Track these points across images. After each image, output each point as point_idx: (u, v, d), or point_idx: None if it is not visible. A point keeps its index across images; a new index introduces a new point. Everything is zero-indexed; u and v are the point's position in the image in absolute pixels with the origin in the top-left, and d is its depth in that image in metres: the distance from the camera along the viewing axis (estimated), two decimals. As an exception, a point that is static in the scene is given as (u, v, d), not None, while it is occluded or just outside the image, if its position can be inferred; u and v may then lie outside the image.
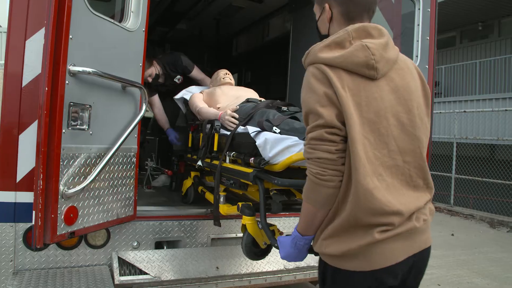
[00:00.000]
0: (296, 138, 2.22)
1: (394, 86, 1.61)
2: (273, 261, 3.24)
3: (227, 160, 2.84)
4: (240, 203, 2.60)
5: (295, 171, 2.36)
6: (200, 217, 3.32)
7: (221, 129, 3.14)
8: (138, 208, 3.05)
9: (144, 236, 3.08)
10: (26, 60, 2.57)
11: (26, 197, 2.58)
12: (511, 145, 11.25)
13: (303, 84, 1.62)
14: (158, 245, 3.18)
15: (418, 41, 3.63)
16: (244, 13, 5.98)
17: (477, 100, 13.95)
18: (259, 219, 2.41)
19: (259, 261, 3.21)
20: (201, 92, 3.97)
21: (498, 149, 12.33)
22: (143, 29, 2.83)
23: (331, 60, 1.55)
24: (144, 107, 2.81)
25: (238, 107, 3.23)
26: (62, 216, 2.29)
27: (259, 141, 2.37)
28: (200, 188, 3.61)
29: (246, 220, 2.48)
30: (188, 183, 3.87)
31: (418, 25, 3.63)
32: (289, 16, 4.94)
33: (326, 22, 1.81)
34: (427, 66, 3.60)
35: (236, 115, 3.09)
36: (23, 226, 2.64)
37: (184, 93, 4.19)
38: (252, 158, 2.44)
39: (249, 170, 2.42)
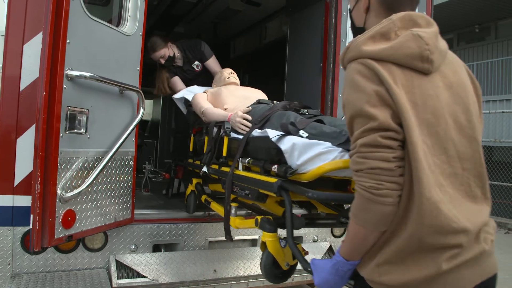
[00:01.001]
0: (329, 144, 1.92)
1: (448, 82, 1.39)
2: (271, 264, 3.25)
3: (240, 167, 2.52)
4: (259, 217, 2.28)
5: (322, 181, 2.08)
6: (197, 220, 3.33)
7: (231, 132, 2.83)
8: (136, 211, 3.06)
9: (141, 239, 3.09)
10: (24, 64, 2.58)
11: (24, 200, 2.58)
12: (509, 147, 11.28)
13: (345, 84, 1.40)
14: (156, 248, 3.18)
15: (414, 44, 3.64)
16: (241, 16, 6.01)
17: (475, 102, 13.95)
18: (281, 237, 2.12)
19: (256, 264, 3.22)
20: (204, 92, 3.66)
21: (495, 151, 12.35)
22: (140, 33, 2.85)
23: (379, 52, 1.33)
24: (141, 111, 2.83)
25: (250, 108, 2.96)
26: (60, 220, 2.29)
27: (285, 146, 2.04)
28: (204, 197, 3.27)
29: (267, 237, 2.15)
30: (188, 190, 3.53)
31: (414, 28, 3.64)
32: (286, 19, 4.96)
33: (362, 13, 1.61)
34: (423, 69, 3.61)
35: (249, 117, 2.81)
36: (21, 230, 2.64)
37: (185, 93, 3.95)
38: (275, 166, 2.11)
39: (272, 180, 2.08)
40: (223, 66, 4.22)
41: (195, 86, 4.09)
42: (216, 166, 2.87)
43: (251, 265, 3.20)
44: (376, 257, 1.36)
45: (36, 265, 2.71)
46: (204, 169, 2.96)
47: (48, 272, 2.74)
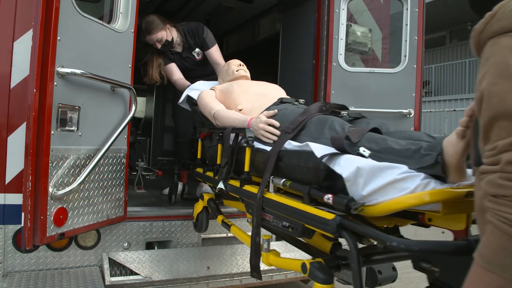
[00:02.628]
0: (405, 168, 1.43)
1: None
2: (264, 260, 3.26)
3: (271, 189, 2.01)
4: (307, 262, 1.72)
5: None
6: (190, 217, 3.32)
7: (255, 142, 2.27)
8: (129, 208, 3.06)
9: (134, 237, 3.08)
10: (14, 61, 2.56)
11: (15, 199, 2.57)
12: None
13: (489, 69, 1.01)
14: (149, 246, 3.18)
15: (406, 41, 3.67)
16: (234, 13, 6.00)
17: (467, 99, 14.13)
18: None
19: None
20: (212, 89, 3.10)
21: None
22: (132, 30, 2.84)
23: None
24: (133, 108, 2.82)
25: (276, 111, 2.41)
26: (52, 218, 2.28)
27: (346, 172, 1.51)
28: (220, 218, 2.78)
29: None
30: (198, 207, 3.08)
31: (406, 25, 3.67)
32: (279, 16, 4.97)
33: None
34: (415, 66, 3.63)
35: (276, 123, 2.28)
36: (12, 228, 2.63)
37: (188, 91, 3.46)
38: (330, 196, 1.56)
39: (328, 215, 1.56)
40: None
41: (200, 82, 3.61)
42: (236, 183, 2.36)
43: (245, 262, 3.21)
44: None
45: (28, 263, 2.70)
46: (221, 185, 2.49)
47: (41, 270, 2.73)
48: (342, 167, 1.55)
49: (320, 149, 1.72)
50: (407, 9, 3.66)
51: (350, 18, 3.89)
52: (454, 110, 13.22)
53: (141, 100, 8.19)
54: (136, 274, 2.88)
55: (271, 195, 1.98)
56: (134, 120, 6.41)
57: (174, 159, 4.48)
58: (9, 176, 2.58)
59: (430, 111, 14.07)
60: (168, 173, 4.60)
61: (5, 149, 2.56)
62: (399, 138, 1.75)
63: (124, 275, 2.87)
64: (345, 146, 1.65)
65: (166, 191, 3.92)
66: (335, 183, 1.62)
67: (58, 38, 2.23)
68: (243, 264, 3.20)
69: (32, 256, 2.71)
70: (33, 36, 2.21)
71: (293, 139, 2.06)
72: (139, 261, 2.96)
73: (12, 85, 2.56)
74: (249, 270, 3.13)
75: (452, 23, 17.64)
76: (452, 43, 18.49)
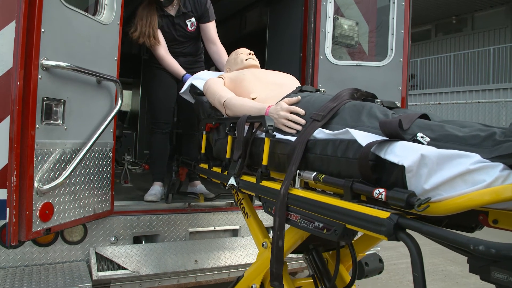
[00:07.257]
0: (477, 157, 1.18)
1: None
2: (252, 254, 3.27)
3: (297, 184, 1.75)
4: None
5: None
6: (178, 211, 3.31)
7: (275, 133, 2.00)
8: (116, 203, 3.04)
9: (122, 231, 3.06)
10: (-4, 53, 2.51)
11: (0, 194, 2.53)
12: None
13: None
14: (136, 240, 3.16)
15: (393, 34, 3.69)
16: (221, 5, 5.97)
17: (452, 92, 14.32)
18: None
19: (238, 254, 3.24)
20: (220, 77, 2.84)
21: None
22: (118, 22, 2.80)
23: None
24: (119, 101, 2.79)
25: (299, 97, 2.14)
26: (37, 213, 2.25)
27: (409, 162, 1.24)
28: None
29: None
30: None
31: (393, 18, 3.69)
32: (265, 9, 4.96)
33: None
34: (401, 59, 3.66)
35: (301, 111, 2.02)
36: (-3, 224, 2.60)
37: (191, 80, 3.19)
38: (383, 191, 1.29)
39: (381, 213, 1.28)
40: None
41: (205, 71, 3.34)
42: (250, 179, 2.10)
43: (233, 255, 3.22)
44: None
45: (13, 259, 2.66)
46: (232, 181, 2.22)
47: (26, 266, 2.70)
48: (399, 156, 1.29)
49: (364, 137, 1.47)
50: (394, 2, 3.68)
51: (337, 11, 3.90)
52: (439, 103, 13.39)
53: (127, 93, 8.13)
54: (124, 268, 2.87)
55: (299, 191, 1.71)
56: (120, 113, 6.35)
57: (150, 154, 4.04)
58: (-7, 171, 2.54)
59: (416, 104, 14.23)
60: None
61: (-11, 143, 2.51)
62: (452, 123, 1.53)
63: (111, 270, 2.86)
64: (400, 132, 1.37)
65: (150, 197, 3.47)
66: (382, 176, 1.39)
67: (42, 30, 2.19)
68: (231, 257, 3.21)
69: (17, 251, 2.67)
70: (16, 28, 2.16)
71: (323, 127, 1.80)
72: (126, 255, 2.95)
73: (-5, 78, 2.51)
74: (237, 263, 3.18)
75: (437, 17, 17.82)
76: (437, 37, 18.68)
